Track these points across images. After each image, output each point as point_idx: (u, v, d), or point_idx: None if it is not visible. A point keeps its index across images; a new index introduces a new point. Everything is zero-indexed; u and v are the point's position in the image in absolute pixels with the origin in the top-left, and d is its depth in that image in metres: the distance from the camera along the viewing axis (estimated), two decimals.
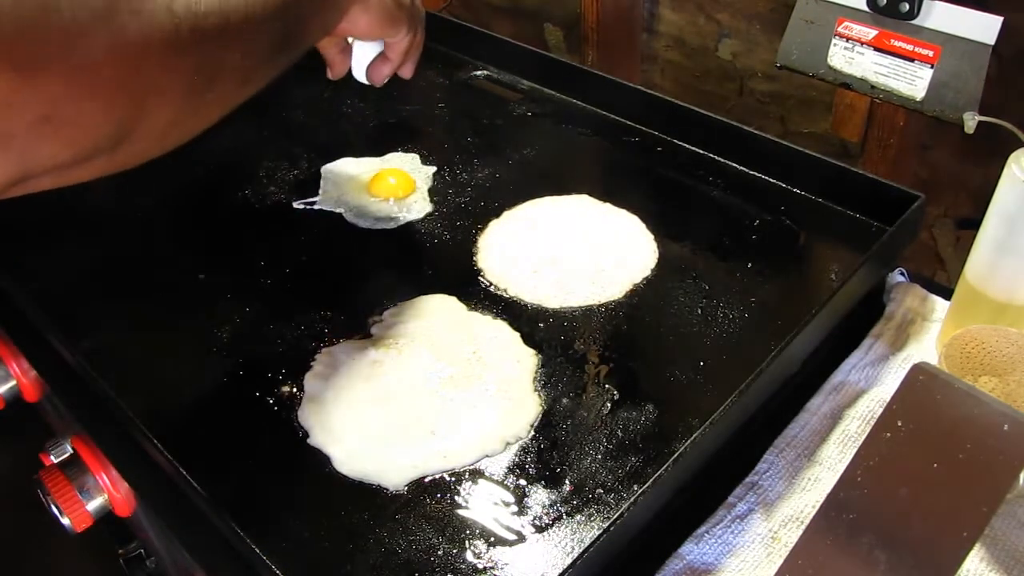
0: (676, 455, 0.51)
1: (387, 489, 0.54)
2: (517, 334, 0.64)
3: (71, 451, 0.66)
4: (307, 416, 0.59)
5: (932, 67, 0.76)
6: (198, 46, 0.43)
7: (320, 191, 0.81)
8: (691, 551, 0.52)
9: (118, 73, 0.38)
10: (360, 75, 0.70)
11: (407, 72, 0.70)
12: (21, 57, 0.34)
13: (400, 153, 0.86)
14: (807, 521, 0.50)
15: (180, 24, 0.41)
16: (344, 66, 0.69)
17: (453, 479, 0.55)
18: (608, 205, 0.77)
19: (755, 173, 0.79)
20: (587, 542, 0.48)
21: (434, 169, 0.83)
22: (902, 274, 0.71)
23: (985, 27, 0.72)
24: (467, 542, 0.51)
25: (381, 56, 0.68)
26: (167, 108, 0.43)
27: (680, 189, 0.80)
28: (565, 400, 0.59)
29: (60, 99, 0.36)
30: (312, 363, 0.63)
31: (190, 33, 0.42)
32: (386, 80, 0.70)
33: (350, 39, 0.68)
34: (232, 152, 0.87)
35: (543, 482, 0.54)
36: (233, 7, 0.45)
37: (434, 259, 0.73)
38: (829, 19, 0.81)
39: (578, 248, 0.72)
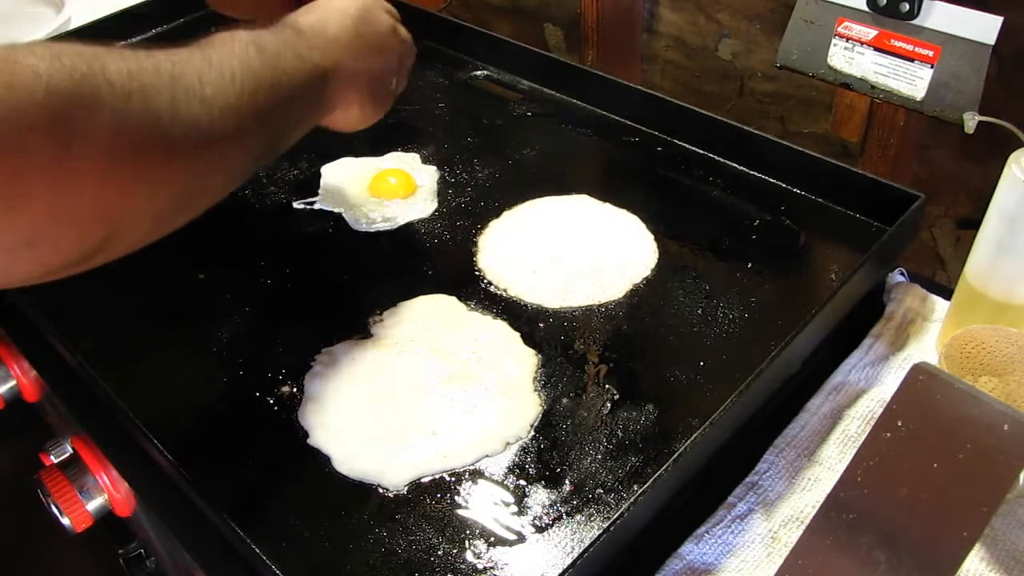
0: (676, 455, 0.51)
1: (387, 489, 0.54)
2: (517, 334, 0.64)
3: (71, 451, 0.66)
4: (307, 416, 0.59)
5: (932, 67, 0.76)
6: (183, 178, 0.43)
7: (320, 191, 0.81)
8: (691, 551, 0.52)
9: (100, 205, 0.39)
10: None
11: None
12: (6, 190, 0.35)
13: (400, 153, 0.86)
14: (807, 521, 0.50)
15: (166, 159, 0.41)
16: None
17: (453, 479, 0.55)
18: (608, 205, 0.77)
19: (755, 173, 0.79)
20: (587, 542, 0.48)
21: (434, 168, 0.83)
22: (902, 274, 0.71)
23: (985, 27, 0.72)
24: (467, 542, 0.51)
25: None
26: (140, 230, 0.43)
27: (680, 189, 0.80)
28: (565, 400, 0.59)
29: (41, 227, 0.37)
30: (312, 363, 0.63)
31: (174, 167, 0.42)
32: None
33: None
34: None
35: (543, 482, 0.54)
36: (221, 136, 0.45)
37: (434, 259, 0.73)
38: (829, 19, 0.81)
39: (578, 248, 0.72)
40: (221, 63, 0.46)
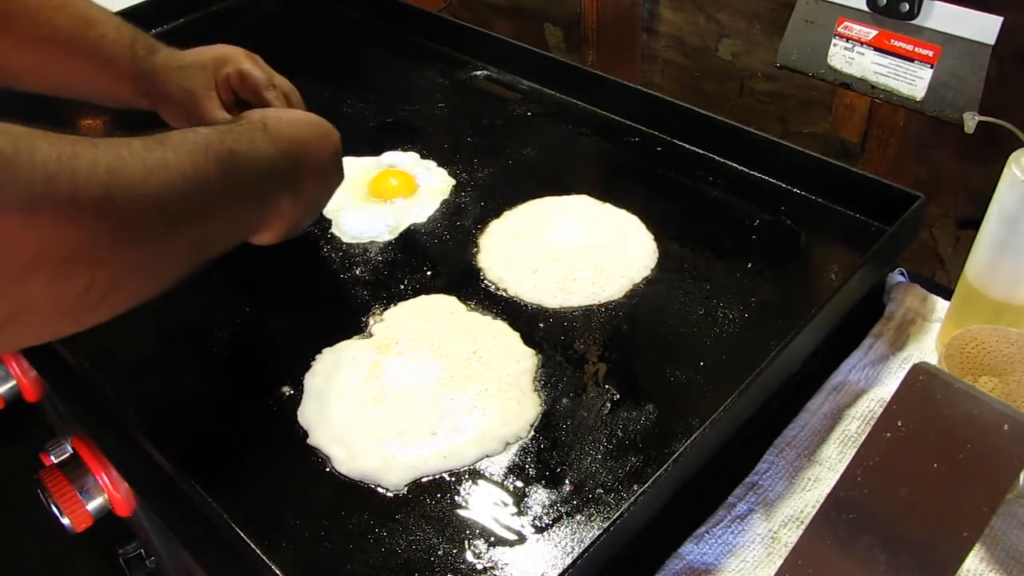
0: (676, 455, 0.51)
1: (387, 489, 0.54)
2: (517, 334, 0.64)
3: (71, 451, 0.66)
4: (307, 416, 0.59)
5: (932, 67, 0.76)
6: (95, 273, 0.40)
7: None
8: (691, 551, 0.52)
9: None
10: None
11: None
12: None
13: (400, 153, 0.86)
14: (807, 521, 0.50)
15: (80, 253, 0.38)
16: None
17: (453, 479, 0.55)
18: (608, 205, 0.77)
19: (755, 173, 0.79)
20: (587, 542, 0.48)
21: (434, 169, 0.83)
22: (902, 274, 0.71)
23: (985, 27, 0.72)
24: (467, 542, 0.51)
25: None
26: (40, 321, 0.40)
27: (680, 189, 0.80)
28: (565, 400, 0.59)
29: None
30: (312, 363, 0.63)
31: (90, 262, 0.39)
32: None
33: None
34: None
35: (543, 482, 0.54)
36: (151, 241, 0.42)
37: (434, 259, 0.73)
38: (829, 19, 0.82)
39: (578, 248, 0.72)
40: (164, 156, 0.45)
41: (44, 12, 0.62)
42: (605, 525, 0.48)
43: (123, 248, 0.41)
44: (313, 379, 0.61)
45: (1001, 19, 0.71)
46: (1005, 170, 0.57)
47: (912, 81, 0.78)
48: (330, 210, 0.78)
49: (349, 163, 0.84)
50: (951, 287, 0.66)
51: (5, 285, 0.36)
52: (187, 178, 0.45)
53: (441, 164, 0.84)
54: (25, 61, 0.64)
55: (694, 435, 0.52)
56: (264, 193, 0.55)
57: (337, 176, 0.65)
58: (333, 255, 0.74)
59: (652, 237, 0.73)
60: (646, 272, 0.70)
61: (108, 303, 0.43)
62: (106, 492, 0.64)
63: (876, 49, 0.79)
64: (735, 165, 0.80)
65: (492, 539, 0.51)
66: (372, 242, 0.75)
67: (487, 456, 0.56)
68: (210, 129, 0.51)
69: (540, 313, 0.67)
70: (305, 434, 0.58)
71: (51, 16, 0.63)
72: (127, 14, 0.70)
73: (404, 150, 0.86)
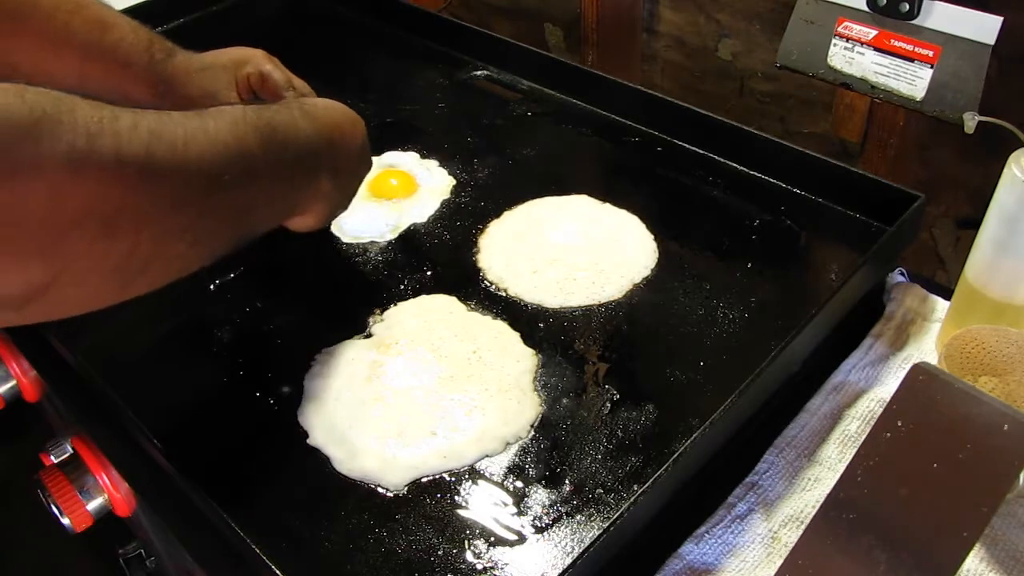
0: (676, 455, 0.51)
1: (387, 489, 0.54)
2: (517, 334, 0.64)
3: (71, 451, 0.66)
4: (307, 416, 0.59)
5: (932, 67, 0.76)
6: (139, 233, 0.40)
7: None
8: (691, 551, 0.52)
9: (43, 237, 0.37)
10: None
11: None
12: None
13: (400, 153, 0.86)
14: (807, 521, 0.50)
15: (123, 209, 0.39)
16: None
17: (453, 479, 0.55)
18: (608, 205, 0.77)
19: (755, 173, 0.79)
20: (587, 542, 0.48)
21: (435, 168, 0.83)
22: (902, 274, 0.71)
23: (985, 27, 0.72)
24: (467, 542, 0.51)
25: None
26: (88, 282, 0.40)
27: (680, 189, 0.80)
28: (565, 400, 0.59)
29: None
30: (312, 363, 0.63)
31: (134, 219, 0.39)
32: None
33: None
34: None
35: (543, 482, 0.54)
36: (192, 204, 0.43)
37: (434, 259, 0.73)
38: (829, 19, 0.82)
39: (578, 248, 0.72)
40: (205, 123, 0.45)
41: (60, 15, 0.62)
42: (605, 525, 0.48)
43: (166, 210, 0.42)
44: (313, 379, 0.61)
45: (1001, 19, 0.71)
46: (1005, 170, 0.57)
47: (912, 81, 0.78)
48: None
49: None
50: (951, 287, 0.66)
51: (52, 242, 0.37)
52: (228, 145, 0.46)
53: (441, 164, 0.84)
54: (41, 64, 0.64)
55: (694, 435, 0.52)
56: (304, 168, 0.56)
57: (366, 163, 0.66)
58: (333, 255, 0.74)
59: (652, 237, 0.73)
60: (646, 272, 0.70)
61: (152, 269, 0.44)
62: (106, 492, 0.64)
63: (876, 49, 0.79)
64: (735, 165, 0.80)
65: (492, 539, 0.51)
66: (372, 242, 0.75)
67: (487, 456, 0.56)
68: (249, 106, 0.52)
69: (540, 313, 0.67)
70: (305, 434, 0.58)
71: (67, 19, 0.63)
72: (127, 13, 0.70)
73: (404, 150, 0.86)
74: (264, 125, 0.50)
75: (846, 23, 0.80)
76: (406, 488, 0.54)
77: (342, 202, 0.64)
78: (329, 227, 0.76)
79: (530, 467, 0.55)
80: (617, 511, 0.50)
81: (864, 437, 0.47)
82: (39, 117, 0.35)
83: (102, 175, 0.37)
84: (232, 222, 0.49)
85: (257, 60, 0.71)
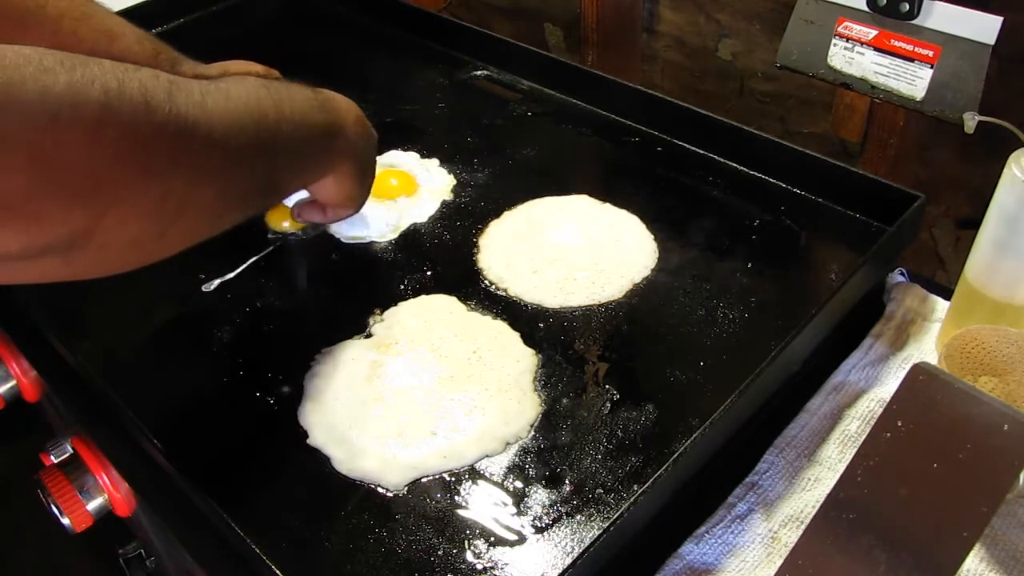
0: (676, 455, 0.51)
1: (387, 489, 0.54)
2: (517, 334, 0.64)
3: (71, 451, 0.66)
4: (307, 416, 0.59)
5: (932, 67, 0.76)
6: (175, 172, 0.43)
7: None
8: (691, 551, 0.52)
9: (86, 179, 0.38)
10: (287, 200, 0.71)
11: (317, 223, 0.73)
12: None
13: (400, 152, 0.86)
14: (807, 521, 0.50)
15: (163, 146, 0.41)
16: None
17: (453, 479, 0.55)
18: (608, 205, 0.77)
19: (755, 173, 0.79)
20: (587, 542, 0.48)
21: (435, 168, 0.83)
22: (902, 274, 0.71)
23: (985, 27, 0.72)
24: (467, 542, 0.51)
25: (318, 204, 0.68)
26: (129, 225, 0.42)
27: (680, 189, 0.79)
28: (565, 400, 0.59)
29: (22, 191, 0.36)
30: (312, 363, 0.63)
31: (170, 158, 0.42)
32: (305, 223, 0.73)
33: None
34: None
35: (543, 482, 0.54)
36: (221, 146, 0.45)
37: (434, 259, 0.73)
38: (829, 19, 0.81)
39: (578, 248, 0.72)
40: (227, 88, 0.48)
41: (66, 23, 0.63)
42: (605, 525, 0.48)
43: (193, 152, 0.44)
44: (313, 379, 0.61)
45: (1001, 19, 0.71)
46: (1005, 170, 0.57)
47: (912, 81, 0.78)
48: None
49: None
50: (951, 287, 0.66)
51: (92, 185, 0.39)
52: (247, 103, 0.48)
53: (441, 164, 0.84)
54: None
55: (694, 435, 0.52)
56: (323, 125, 0.57)
57: (374, 145, 0.67)
58: (333, 255, 0.74)
59: (652, 237, 0.73)
60: (646, 272, 0.70)
61: (187, 215, 0.45)
62: (106, 492, 0.64)
63: (876, 49, 0.79)
64: (735, 165, 0.80)
65: (492, 539, 0.51)
66: (372, 242, 0.75)
67: (487, 456, 0.56)
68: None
69: (540, 313, 0.67)
70: (305, 434, 0.58)
71: (74, 28, 0.63)
72: (127, 13, 0.70)
73: (404, 150, 0.86)
74: (278, 87, 0.53)
75: (846, 23, 0.80)
76: (406, 488, 0.54)
77: (365, 179, 0.65)
78: (328, 227, 0.76)
79: (530, 467, 0.55)
80: (617, 511, 0.50)
81: (864, 437, 0.47)
82: (72, 66, 0.37)
83: (134, 117, 0.40)
84: (259, 174, 0.51)
85: (258, 73, 0.72)
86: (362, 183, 0.65)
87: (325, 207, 0.68)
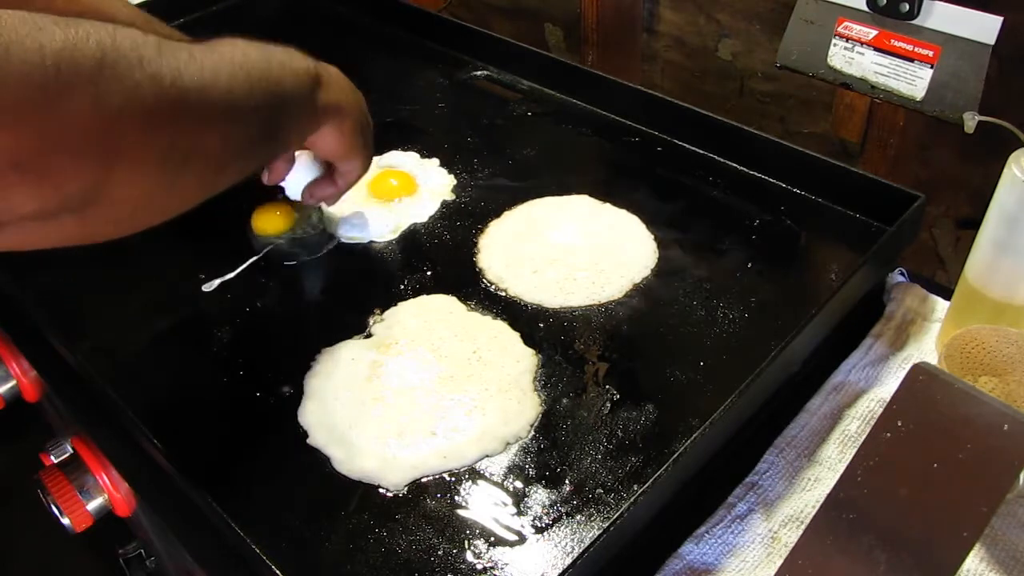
0: (676, 455, 0.51)
1: (387, 489, 0.54)
2: (517, 334, 0.64)
3: (71, 451, 0.66)
4: (307, 416, 0.59)
5: (932, 67, 0.76)
6: (176, 121, 0.44)
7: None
8: (691, 551, 0.52)
9: (92, 133, 0.39)
10: (292, 188, 0.70)
11: (331, 202, 0.72)
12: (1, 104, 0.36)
13: (400, 153, 0.86)
14: (807, 521, 0.50)
15: (163, 96, 0.42)
16: (282, 174, 0.69)
17: (453, 479, 0.55)
18: (608, 205, 0.77)
19: (755, 173, 0.79)
20: (587, 542, 0.48)
21: (435, 169, 0.83)
22: (902, 274, 0.71)
23: (985, 27, 0.72)
24: (467, 542, 0.51)
25: (326, 178, 0.68)
26: (139, 178, 0.43)
27: (680, 189, 0.80)
28: (565, 400, 0.59)
29: (31, 149, 0.37)
30: (312, 363, 0.63)
31: (170, 107, 0.43)
32: (319, 202, 0.71)
33: (296, 153, 0.68)
34: None
35: (543, 482, 0.54)
36: (216, 93, 0.46)
37: (434, 259, 0.73)
38: (829, 19, 0.81)
39: (578, 248, 0.72)
40: (212, 43, 0.49)
41: (58, 1, 0.63)
42: (605, 525, 0.48)
43: (193, 102, 0.44)
44: (313, 379, 0.61)
45: (1001, 19, 0.71)
46: (1005, 170, 0.57)
47: (912, 81, 0.78)
48: (330, 210, 0.78)
49: None
50: (951, 287, 0.66)
51: (100, 138, 0.40)
52: (232, 54, 0.49)
53: (441, 164, 0.84)
54: None
55: (694, 435, 0.52)
56: (308, 78, 0.58)
57: (362, 99, 0.66)
58: (333, 255, 0.74)
59: (652, 237, 0.73)
60: (646, 272, 0.70)
61: (193, 164, 0.46)
62: (106, 492, 0.64)
63: (876, 49, 0.79)
64: (735, 165, 0.80)
65: (492, 539, 0.51)
66: (372, 242, 0.75)
67: (487, 456, 0.56)
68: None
69: (540, 313, 0.67)
70: (305, 434, 0.58)
71: (66, 5, 0.63)
72: None
73: (404, 150, 0.86)
74: (258, 43, 0.53)
75: (846, 23, 0.80)
76: (406, 488, 0.54)
77: (364, 122, 0.65)
78: (328, 227, 0.76)
79: (530, 467, 0.55)
80: (617, 511, 0.50)
81: (864, 437, 0.47)
82: (66, 24, 0.38)
83: (130, 70, 0.40)
84: (252, 119, 0.51)
85: None
86: (363, 132, 0.65)
87: (335, 175, 0.68)
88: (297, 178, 0.69)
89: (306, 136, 0.61)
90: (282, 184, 0.70)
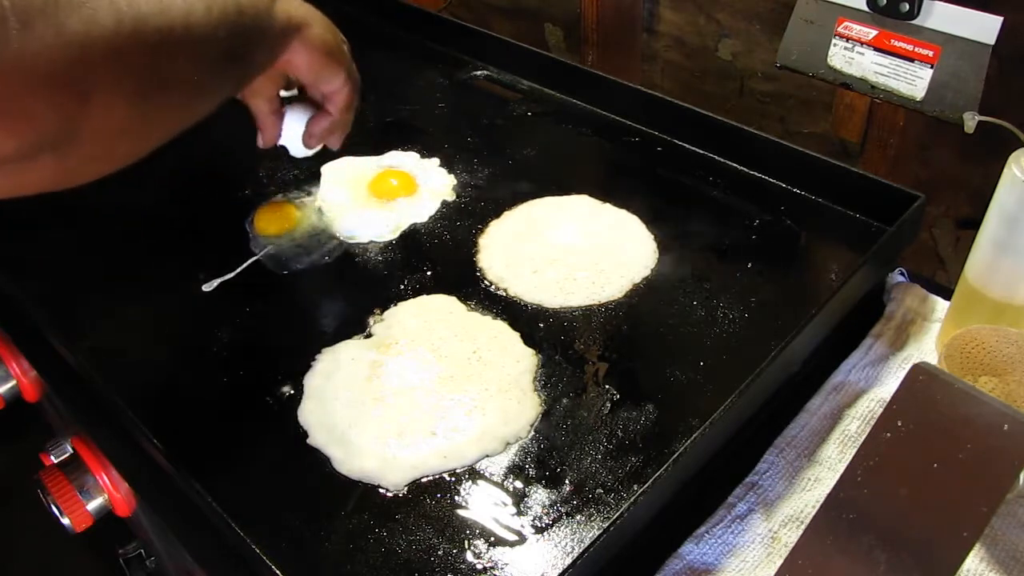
0: (676, 455, 0.51)
1: (387, 489, 0.54)
2: (517, 334, 0.64)
3: (71, 451, 0.66)
4: (307, 416, 0.59)
5: (932, 67, 0.76)
6: (143, 46, 0.43)
7: (321, 191, 0.81)
8: (691, 551, 0.52)
9: (60, 67, 0.39)
10: (292, 142, 0.68)
11: (335, 142, 0.70)
12: None
13: (400, 153, 0.86)
14: (807, 521, 0.50)
15: (122, 21, 0.42)
16: (276, 130, 0.67)
17: (453, 479, 0.55)
18: (608, 205, 0.77)
19: (755, 173, 0.79)
20: (587, 542, 0.48)
21: (435, 169, 0.83)
22: (902, 274, 0.71)
23: (985, 27, 0.72)
24: (467, 542, 0.51)
25: (322, 113, 0.67)
26: (115, 109, 0.43)
27: (680, 189, 0.80)
28: (565, 400, 0.59)
29: (1, 89, 0.37)
30: (312, 363, 0.63)
31: (133, 31, 0.42)
32: (321, 141, 0.68)
33: (284, 99, 0.67)
34: (232, 151, 0.87)
35: (543, 482, 0.54)
36: (175, 13, 0.45)
37: (434, 259, 0.73)
38: (829, 19, 0.81)
39: (578, 248, 0.72)
40: None
41: None
42: (605, 525, 0.48)
43: (153, 30, 0.44)
44: (313, 379, 0.61)
45: (1001, 19, 0.71)
46: (1005, 170, 0.57)
47: (912, 81, 0.78)
48: (330, 210, 0.78)
49: (349, 163, 0.84)
50: (951, 287, 0.66)
51: (74, 76, 0.39)
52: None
53: (441, 164, 0.84)
54: None
55: (694, 435, 0.52)
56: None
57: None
58: (333, 255, 0.74)
59: (652, 237, 0.73)
60: (646, 272, 0.70)
61: (171, 90, 0.46)
62: (106, 492, 0.64)
63: (876, 49, 0.79)
64: (735, 165, 0.80)
65: (492, 539, 0.51)
66: (372, 242, 0.75)
67: (487, 456, 0.56)
68: None
69: (540, 313, 0.67)
70: (305, 434, 0.58)
71: None
72: None
73: (404, 150, 0.86)
74: None
75: (846, 23, 0.80)
76: (406, 488, 0.54)
77: (333, 29, 0.63)
78: (329, 227, 0.76)
79: (530, 467, 0.55)
80: (617, 511, 0.50)
81: (864, 437, 0.47)
82: None
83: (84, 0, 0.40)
84: (218, 39, 0.50)
85: None
86: (332, 44, 0.62)
87: (325, 101, 0.66)
88: (292, 131, 0.67)
89: (276, 55, 0.58)
90: (281, 144, 0.68)
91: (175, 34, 0.46)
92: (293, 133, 0.67)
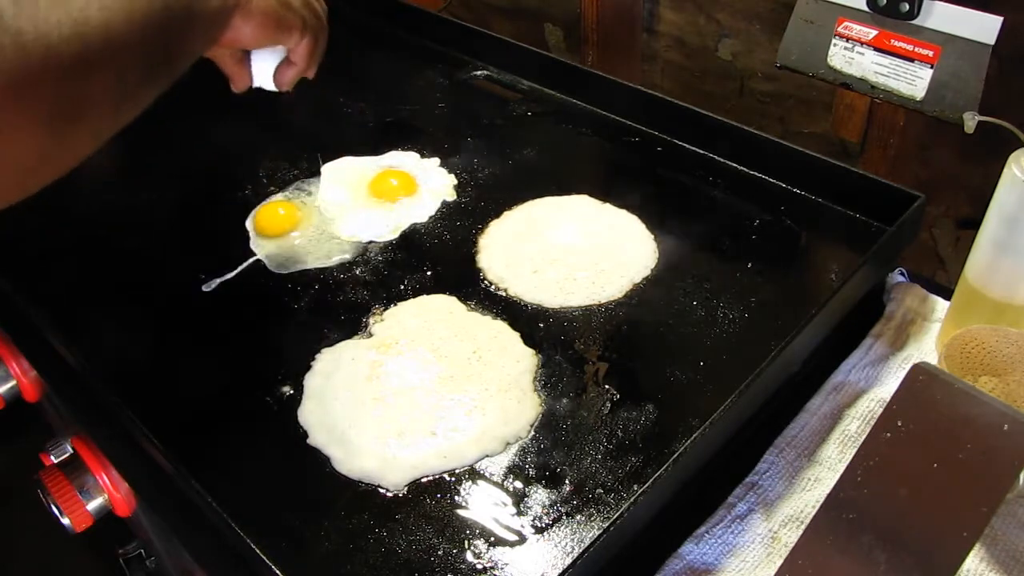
0: (676, 455, 0.51)
1: (387, 489, 0.54)
2: (517, 334, 0.64)
3: (71, 451, 0.66)
4: (307, 416, 0.59)
5: (932, 67, 0.76)
6: (54, 77, 0.41)
7: (321, 191, 0.81)
8: (691, 551, 0.52)
9: None
10: (266, 82, 0.66)
11: (310, 73, 0.67)
12: None
13: (400, 153, 0.86)
14: (807, 521, 0.50)
15: (29, 56, 0.39)
16: (245, 78, 0.65)
17: (453, 479, 0.55)
18: (608, 205, 0.77)
19: (755, 173, 0.79)
20: (587, 542, 0.48)
21: (435, 169, 0.83)
22: (902, 274, 0.71)
23: (985, 27, 0.72)
24: (467, 542, 0.51)
25: (286, 61, 0.65)
26: (28, 142, 0.41)
27: (680, 189, 0.80)
28: (565, 400, 0.59)
29: None
30: (312, 363, 0.63)
31: (42, 64, 0.40)
32: (293, 84, 0.66)
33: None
34: (232, 152, 0.87)
35: (543, 482, 0.54)
36: (93, 34, 0.43)
37: (434, 259, 0.73)
38: (829, 19, 0.81)
39: (578, 248, 0.72)
40: None
41: None
42: (605, 525, 0.48)
43: (68, 54, 0.41)
44: (313, 379, 0.61)
45: (1001, 19, 0.71)
46: (1005, 170, 0.57)
47: (912, 81, 0.78)
48: (330, 210, 0.78)
49: (349, 163, 0.84)
50: (951, 287, 0.66)
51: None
52: None
53: (441, 164, 0.84)
54: None
55: (694, 435, 0.52)
56: None
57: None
58: (333, 255, 0.74)
59: (652, 237, 0.73)
60: (646, 272, 0.70)
61: (83, 114, 0.44)
62: (106, 492, 0.64)
63: (876, 49, 0.79)
64: (735, 165, 0.80)
65: (492, 539, 0.51)
66: (372, 242, 0.75)
67: (487, 456, 0.56)
68: None
69: (540, 313, 0.67)
70: (305, 434, 0.58)
71: None
72: None
73: (404, 150, 0.86)
74: None
75: (846, 23, 0.80)
76: (406, 488, 0.54)
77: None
78: (329, 227, 0.76)
79: (530, 467, 0.55)
80: (617, 511, 0.50)
81: (864, 437, 0.47)
82: None
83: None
84: (142, 57, 0.48)
85: None
86: (278, 8, 0.58)
87: (289, 61, 0.64)
88: (263, 72, 0.65)
89: (214, 38, 0.55)
90: (256, 87, 0.66)
91: (91, 57, 0.43)
92: (265, 75, 0.65)
